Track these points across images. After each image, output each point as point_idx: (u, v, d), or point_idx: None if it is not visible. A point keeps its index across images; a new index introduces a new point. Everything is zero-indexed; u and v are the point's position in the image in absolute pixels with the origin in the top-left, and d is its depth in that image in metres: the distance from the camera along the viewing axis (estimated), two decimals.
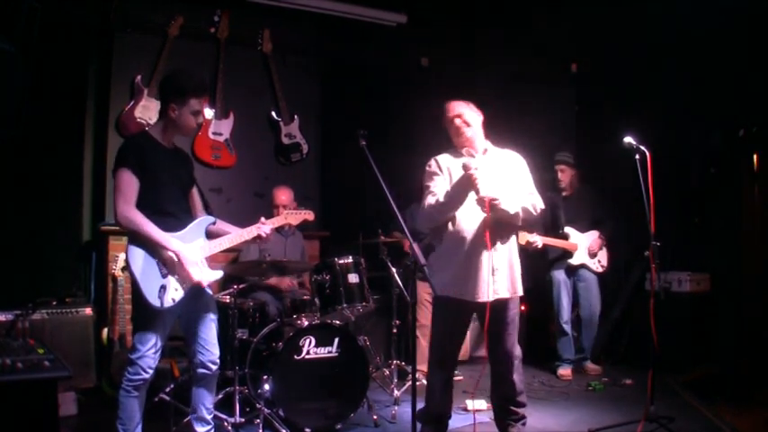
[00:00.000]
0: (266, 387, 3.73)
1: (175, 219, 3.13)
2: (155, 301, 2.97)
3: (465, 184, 3.22)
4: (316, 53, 6.00)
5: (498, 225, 3.32)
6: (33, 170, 4.74)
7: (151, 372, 3.03)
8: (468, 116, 3.43)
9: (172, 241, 3.03)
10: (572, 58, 6.39)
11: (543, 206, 3.47)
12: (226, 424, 3.71)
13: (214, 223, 3.29)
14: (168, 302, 3.00)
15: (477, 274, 3.30)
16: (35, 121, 4.50)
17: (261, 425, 3.69)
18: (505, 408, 3.51)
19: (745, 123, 5.26)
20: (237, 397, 3.79)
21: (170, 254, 3.02)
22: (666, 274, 5.44)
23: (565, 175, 5.33)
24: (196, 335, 3.19)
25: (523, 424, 3.55)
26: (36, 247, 4.74)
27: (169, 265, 3.04)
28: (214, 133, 5.40)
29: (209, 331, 3.22)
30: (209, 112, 5.36)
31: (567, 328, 5.30)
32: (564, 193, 5.35)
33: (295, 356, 3.80)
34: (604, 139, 5.23)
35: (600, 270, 5.32)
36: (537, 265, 5.44)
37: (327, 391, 3.84)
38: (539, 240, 4.85)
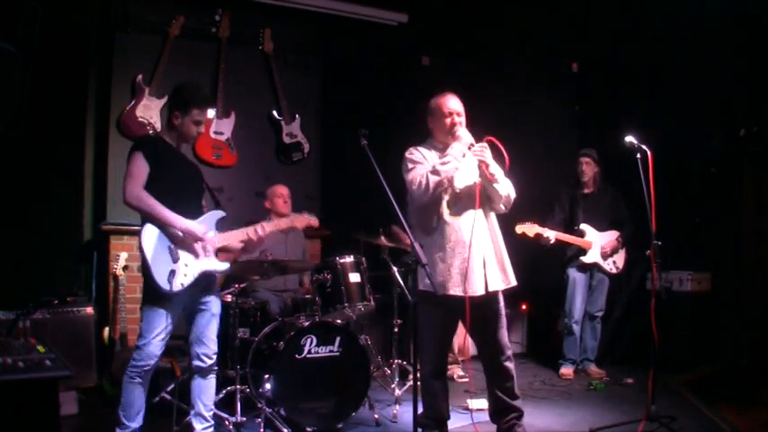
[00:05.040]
0: (267, 386, 3.72)
1: (189, 212, 3.23)
2: (164, 285, 3.06)
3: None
4: (317, 52, 6.00)
5: (487, 203, 3.42)
6: (33, 170, 4.73)
7: (156, 359, 3.11)
8: (463, 116, 3.45)
9: (179, 218, 3.14)
10: (572, 58, 6.39)
11: (514, 194, 3.50)
12: (227, 423, 3.71)
13: (224, 218, 3.40)
14: (177, 286, 3.10)
15: (468, 267, 3.29)
16: (35, 121, 4.51)
17: (262, 424, 3.68)
18: (504, 404, 3.48)
19: (745, 123, 5.25)
20: (239, 396, 3.80)
21: (178, 231, 3.13)
22: (667, 274, 5.43)
23: (589, 168, 5.28)
24: (196, 328, 3.29)
25: (520, 419, 3.52)
26: (37, 246, 4.73)
27: (179, 243, 3.14)
28: (215, 132, 5.40)
29: (210, 326, 3.30)
30: (210, 112, 5.37)
31: (576, 328, 5.27)
32: (585, 190, 5.31)
33: (296, 356, 3.80)
34: (605, 139, 5.23)
35: (614, 271, 5.29)
36: (551, 262, 5.44)
37: (329, 390, 3.84)
38: (551, 235, 4.83)
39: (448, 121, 3.43)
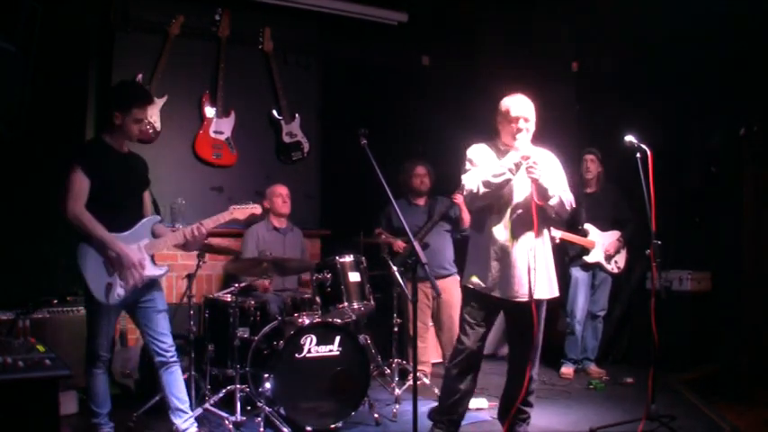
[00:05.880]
0: (267, 386, 3.73)
1: (125, 216, 3.30)
2: (102, 298, 3.17)
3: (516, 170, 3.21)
4: (316, 52, 5.99)
5: (542, 215, 3.31)
6: (33, 170, 4.73)
7: (108, 350, 3.34)
8: (532, 121, 3.34)
9: (115, 242, 3.19)
10: (572, 58, 6.39)
11: (575, 204, 3.46)
12: (227, 422, 3.72)
13: (161, 221, 3.48)
14: (114, 299, 3.20)
15: (516, 272, 3.27)
16: (35, 121, 4.50)
17: (262, 423, 3.69)
18: (513, 407, 3.48)
19: (745, 122, 5.25)
20: (238, 396, 3.81)
21: (113, 253, 3.18)
22: (667, 273, 5.43)
23: (593, 165, 5.28)
24: (146, 326, 3.36)
25: (528, 423, 3.56)
26: (37, 246, 4.73)
27: (113, 263, 3.20)
28: (215, 132, 5.40)
29: (159, 322, 3.36)
30: (210, 111, 5.37)
31: (578, 328, 5.27)
32: (588, 190, 5.31)
33: (296, 355, 3.80)
34: (605, 139, 5.23)
35: (616, 271, 5.30)
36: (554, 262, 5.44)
37: (328, 389, 3.84)
38: (556, 234, 4.84)
39: (514, 126, 3.32)
